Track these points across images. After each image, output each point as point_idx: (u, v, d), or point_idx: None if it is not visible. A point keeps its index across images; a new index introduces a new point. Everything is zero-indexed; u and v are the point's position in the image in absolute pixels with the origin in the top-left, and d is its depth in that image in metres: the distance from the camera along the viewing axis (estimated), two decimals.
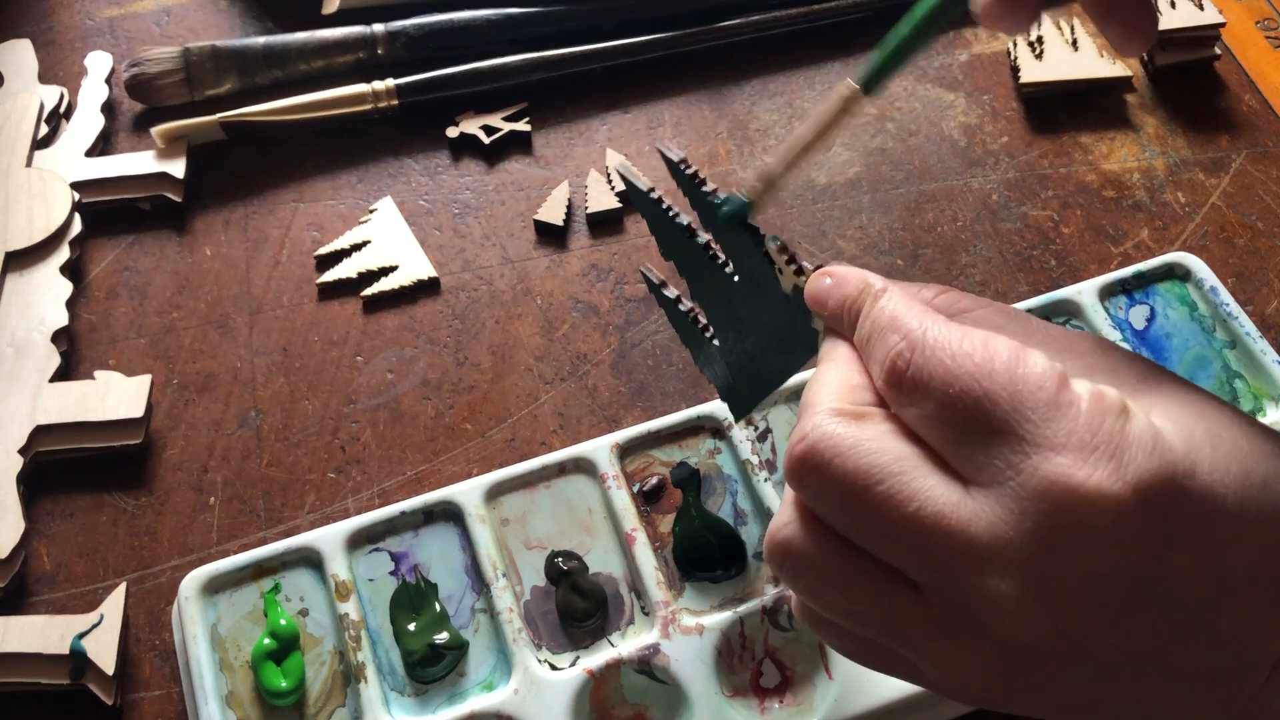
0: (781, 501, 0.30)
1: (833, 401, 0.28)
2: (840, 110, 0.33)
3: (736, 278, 0.35)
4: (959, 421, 0.26)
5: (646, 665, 0.40)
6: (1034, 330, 0.30)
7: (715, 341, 0.37)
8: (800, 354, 0.33)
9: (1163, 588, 0.25)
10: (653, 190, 0.37)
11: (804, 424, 0.28)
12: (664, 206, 0.37)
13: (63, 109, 0.57)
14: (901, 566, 0.27)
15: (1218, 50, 0.59)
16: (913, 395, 0.27)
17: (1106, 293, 0.48)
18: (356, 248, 0.53)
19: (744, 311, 0.35)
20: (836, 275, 0.31)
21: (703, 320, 0.38)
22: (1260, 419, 0.45)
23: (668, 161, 0.36)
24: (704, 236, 0.36)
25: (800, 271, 0.32)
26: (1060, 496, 0.24)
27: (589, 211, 0.54)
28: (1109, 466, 0.24)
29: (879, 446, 0.27)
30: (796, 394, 0.45)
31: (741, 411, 0.39)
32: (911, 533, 0.26)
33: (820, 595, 0.29)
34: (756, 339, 0.35)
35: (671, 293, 0.39)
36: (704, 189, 0.35)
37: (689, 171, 0.35)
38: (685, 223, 0.36)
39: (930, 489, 0.26)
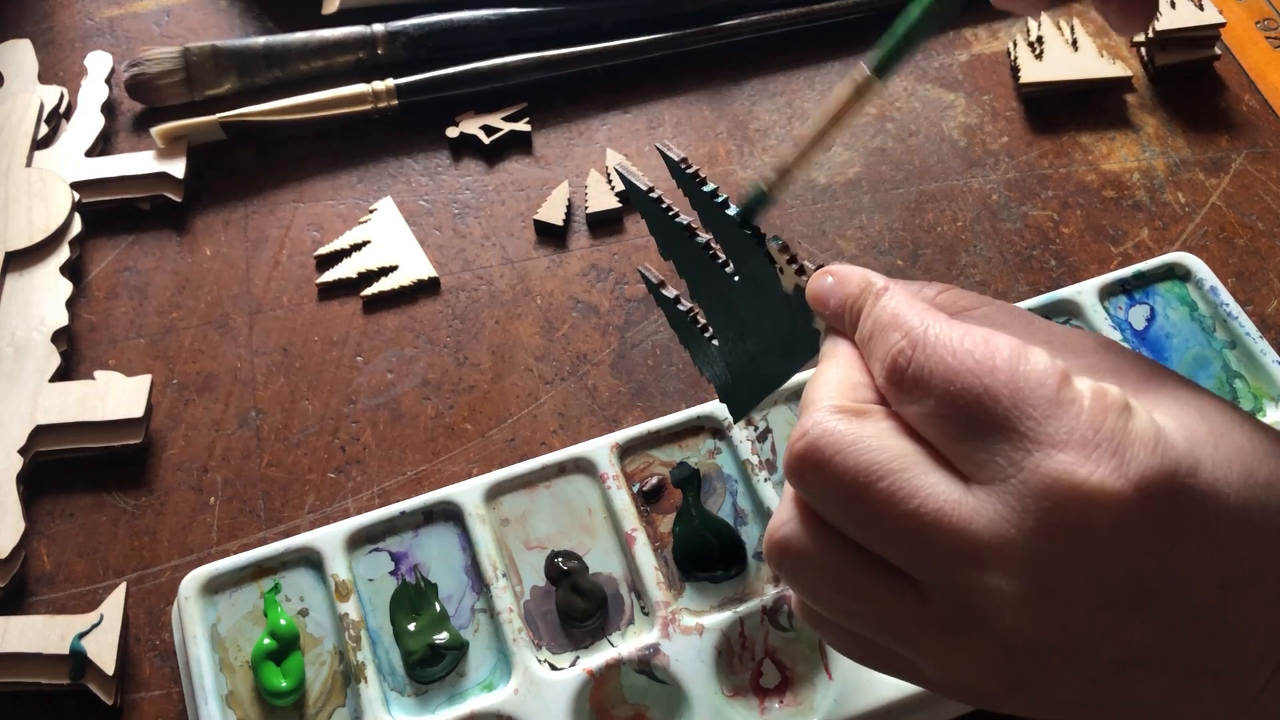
0: (781, 499, 0.29)
1: (833, 399, 0.28)
2: (854, 95, 0.33)
3: (737, 278, 0.34)
4: (960, 419, 0.26)
5: (646, 665, 0.40)
6: (1036, 329, 0.30)
7: (715, 342, 0.37)
8: (800, 355, 0.33)
9: (1165, 587, 0.25)
10: (652, 190, 0.37)
11: (804, 421, 0.28)
12: (664, 206, 0.37)
13: (63, 109, 0.58)
14: (902, 564, 0.26)
15: (1218, 50, 0.59)
16: (914, 393, 0.27)
17: (1106, 293, 0.48)
18: (356, 248, 0.53)
19: (744, 312, 0.35)
20: (838, 274, 0.31)
21: (702, 320, 0.38)
22: (1260, 419, 0.45)
23: (668, 161, 0.36)
24: (704, 236, 0.36)
25: (801, 271, 0.32)
26: (1062, 494, 0.24)
27: (589, 211, 0.54)
28: (1111, 464, 0.24)
29: (880, 444, 0.27)
30: (796, 394, 0.45)
31: (741, 412, 0.38)
32: (912, 530, 0.26)
33: (820, 593, 0.28)
34: (757, 339, 0.35)
35: (670, 292, 0.39)
36: (705, 188, 0.35)
37: (689, 171, 0.35)
38: (685, 222, 0.36)
39: (931, 486, 0.26)
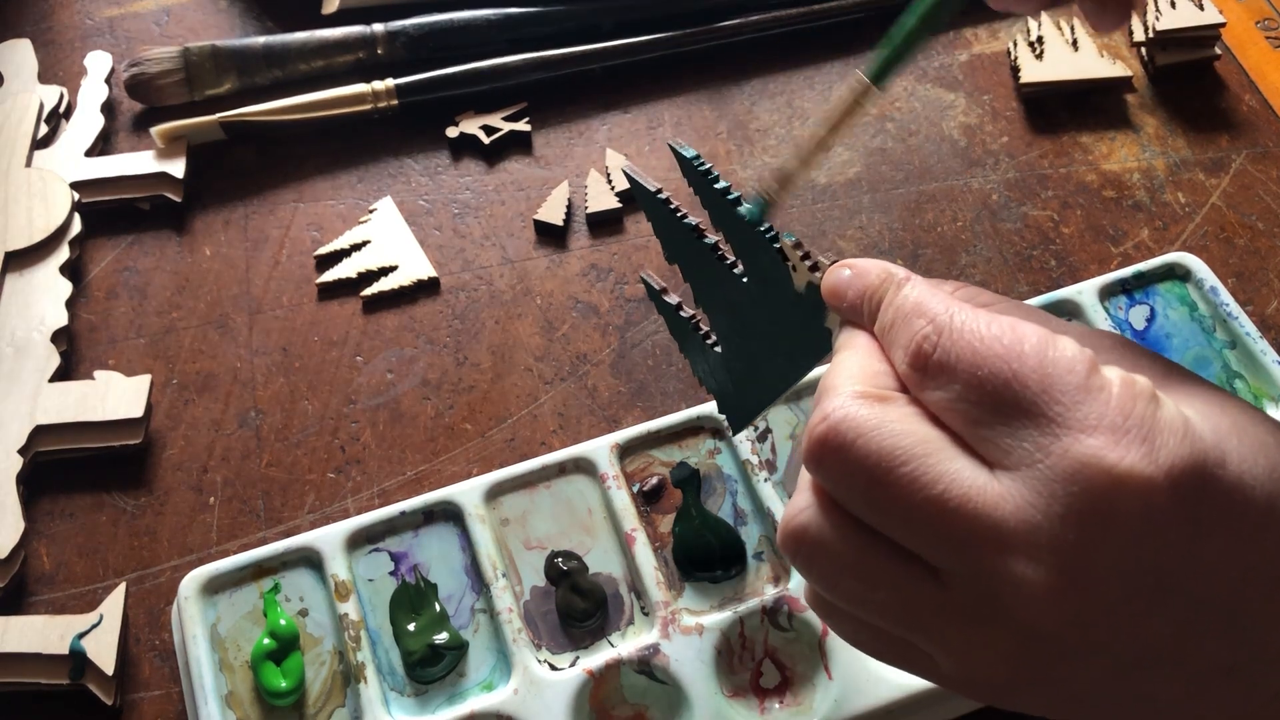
0: (797, 487, 0.29)
1: (855, 385, 0.28)
2: (852, 104, 0.33)
3: (746, 279, 0.34)
4: (986, 404, 0.26)
5: (646, 665, 0.40)
6: (1055, 325, 0.30)
7: (717, 349, 0.37)
8: (809, 357, 0.33)
9: (1188, 579, 0.24)
10: (660, 190, 0.37)
11: (825, 405, 0.27)
12: (672, 207, 0.36)
13: (63, 109, 0.58)
14: (923, 551, 0.26)
15: (1218, 50, 0.59)
16: (938, 378, 0.27)
17: (1106, 293, 0.48)
18: (356, 248, 0.53)
19: (751, 314, 0.34)
20: (856, 266, 0.31)
21: (704, 328, 0.37)
22: None
23: (680, 157, 0.35)
24: (712, 237, 0.35)
25: (815, 268, 0.31)
26: (1092, 478, 0.24)
27: (589, 211, 0.54)
28: (1141, 450, 0.24)
29: (904, 428, 0.26)
30: (797, 394, 0.45)
31: (741, 424, 0.38)
32: (936, 515, 0.25)
33: (836, 583, 0.28)
34: (763, 343, 0.35)
35: (673, 299, 0.38)
36: (717, 185, 0.34)
37: (703, 168, 0.34)
38: (694, 223, 0.36)
39: (956, 472, 0.25)
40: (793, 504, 0.29)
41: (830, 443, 0.27)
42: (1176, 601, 0.24)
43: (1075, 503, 0.24)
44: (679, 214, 0.36)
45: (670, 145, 0.36)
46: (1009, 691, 0.27)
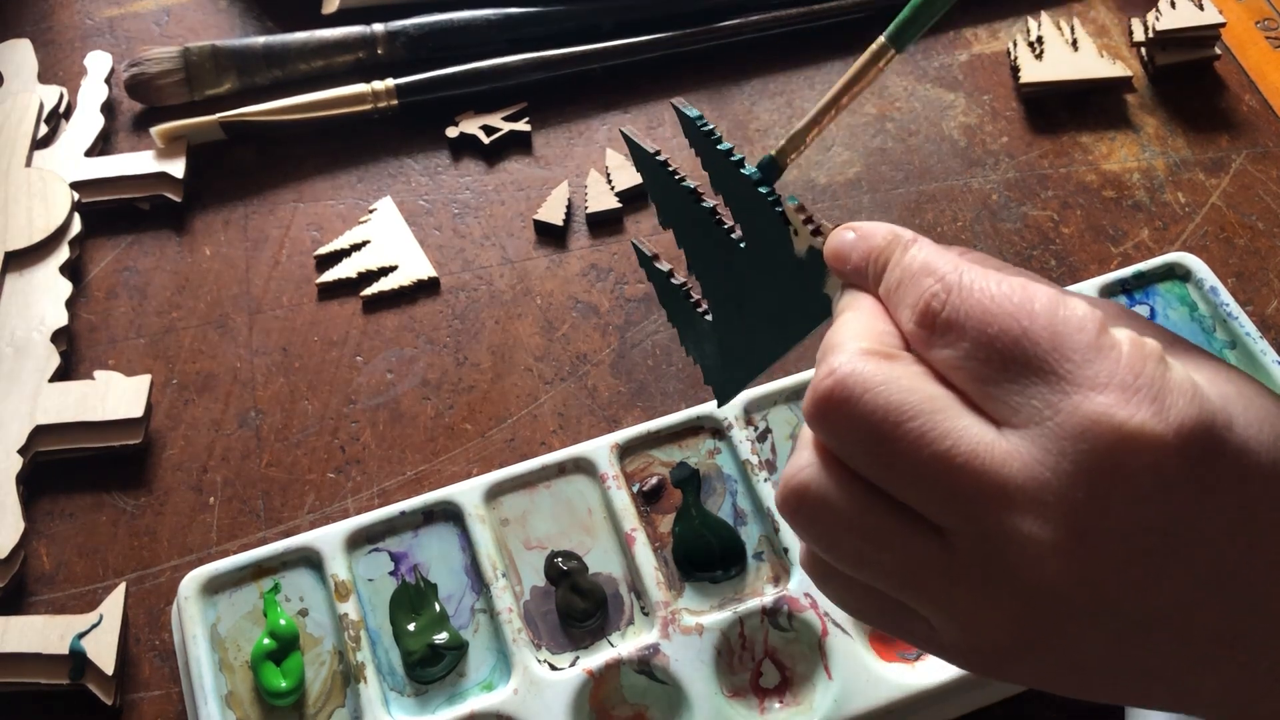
0: (797, 446, 0.28)
1: (861, 342, 0.27)
2: (869, 64, 0.33)
3: (744, 243, 0.34)
4: (996, 361, 0.25)
5: (646, 665, 0.40)
6: (1063, 291, 0.30)
7: (708, 317, 0.37)
8: (803, 324, 0.33)
9: (1195, 541, 0.24)
10: (659, 153, 0.36)
11: (831, 360, 0.27)
12: (670, 169, 0.36)
13: (62, 109, 0.58)
14: (929, 509, 0.26)
15: (1218, 50, 0.59)
16: (947, 336, 0.26)
17: (1106, 293, 0.48)
18: (356, 248, 0.53)
19: (747, 280, 0.34)
20: (861, 229, 0.30)
21: (696, 295, 0.37)
22: None
23: (683, 117, 0.35)
24: (710, 201, 0.35)
25: (817, 232, 0.31)
26: (1102, 435, 0.24)
27: (589, 211, 0.54)
28: (1151, 408, 0.24)
29: (911, 385, 0.26)
30: (796, 394, 0.45)
31: (728, 394, 0.38)
32: (943, 472, 0.25)
33: (837, 543, 0.27)
34: (757, 310, 0.34)
35: (664, 266, 0.38)
36: (720, 146, 0.34)
37: (706, 128, 0.34)
38: (692, 186, 0.35)
39: (964, 428, 0.25)
40: (793, 462, 0.28)
41: (836, 396, 0.26)
42: (1182, 564, 0.24)
43: (1084, 460, 0.24)
44: (677, 176, 0.36)
45: (674, 104, 0.35)
46: (1010, 657, 0.27)
